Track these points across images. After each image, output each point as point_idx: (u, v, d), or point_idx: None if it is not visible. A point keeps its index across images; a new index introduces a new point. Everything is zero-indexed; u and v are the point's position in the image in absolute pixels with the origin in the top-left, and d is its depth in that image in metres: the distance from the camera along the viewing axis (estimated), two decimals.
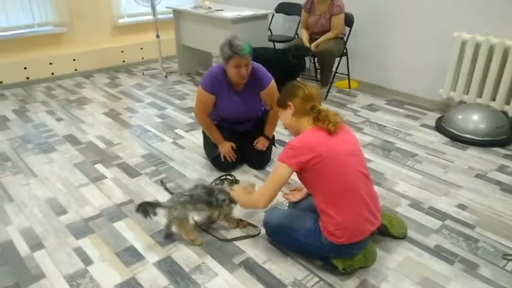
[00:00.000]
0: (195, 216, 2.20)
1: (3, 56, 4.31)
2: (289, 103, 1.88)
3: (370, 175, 1.89)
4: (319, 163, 1.74)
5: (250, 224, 2.22)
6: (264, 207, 1.88)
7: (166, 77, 4.81)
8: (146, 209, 1.95)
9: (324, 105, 1.90)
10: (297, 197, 2.21)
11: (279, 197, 2.46)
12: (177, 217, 2.01)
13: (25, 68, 4.47)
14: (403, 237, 2.11)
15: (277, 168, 1.82)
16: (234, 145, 2.74)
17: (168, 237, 2.13)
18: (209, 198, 2.07)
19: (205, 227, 2.20)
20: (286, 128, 2.00)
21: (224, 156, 2.72)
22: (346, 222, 1.77)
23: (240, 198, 2.03)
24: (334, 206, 1.77)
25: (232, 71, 2.49)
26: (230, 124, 2.79)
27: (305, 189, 2.17)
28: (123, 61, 5.18)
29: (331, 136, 1.79)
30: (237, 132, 2.81)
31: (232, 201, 2.10)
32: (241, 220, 2.22)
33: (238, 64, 2.44)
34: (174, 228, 2.13)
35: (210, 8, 4.38)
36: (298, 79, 4.07)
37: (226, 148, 2.72)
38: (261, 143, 2.80)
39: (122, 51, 5.14)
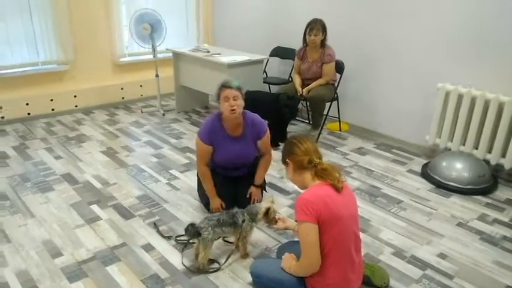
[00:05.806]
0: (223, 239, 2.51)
1: (6, 92, 4.46)
2: (288, 160, 2.02)
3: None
4: (322, 220, 1.80)
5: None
6: (317, 267, 1.85)
7: (163, 115, 4.96)
8: (193, 231, 2.22)
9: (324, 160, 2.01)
10: (280, 226, 2.36)
11: (268, 243, 2.57)
12: (205, 238, 2.20)
13: (27, 104, 4.62)
14: (385, 287, 2.18)
15: (300, 231, 1.86)
16: (223, 204, 2.79)
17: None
18: (233, 220, 2.30)
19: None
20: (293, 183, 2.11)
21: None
22: (333, 281, 1.87)
23: (291, 268, 1.97)
24: (324, 266, 1.85)
25: (224, 106, 2.62)
26: (224, 170, 2.89)
27: (289, 222, 2.36)
28: (123, 98, 5.35)
29: (338, 194, 1.87)
30: (230, 177, 2.92)
31: (253, 220, 2.33)
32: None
33: (227, 96, 2.59)
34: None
35: (208, 51, 4.59)
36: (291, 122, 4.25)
37: (215, 205, 2.79)
38: (254, 195, 2.88)
39: (122, 88, 5.31)
